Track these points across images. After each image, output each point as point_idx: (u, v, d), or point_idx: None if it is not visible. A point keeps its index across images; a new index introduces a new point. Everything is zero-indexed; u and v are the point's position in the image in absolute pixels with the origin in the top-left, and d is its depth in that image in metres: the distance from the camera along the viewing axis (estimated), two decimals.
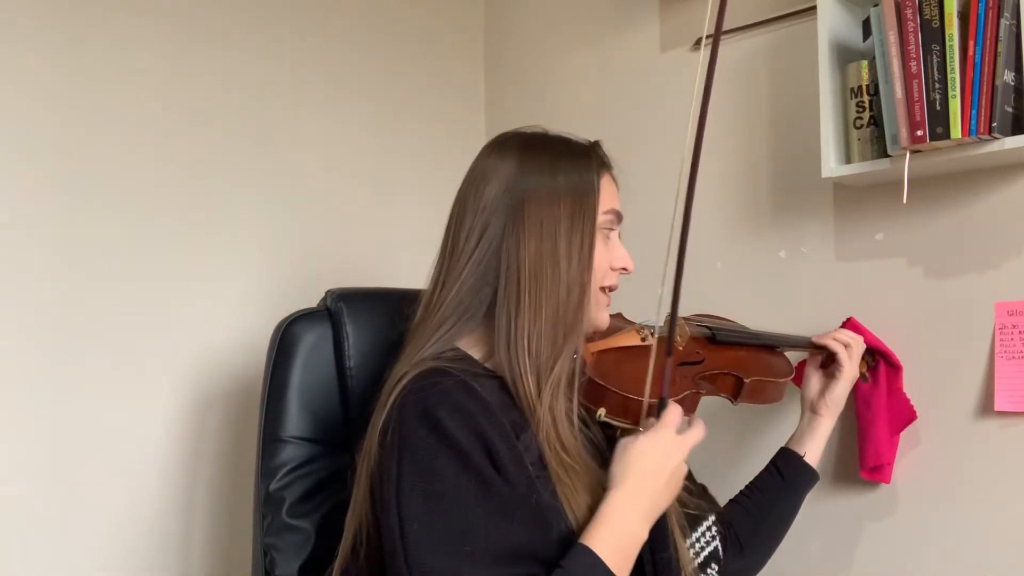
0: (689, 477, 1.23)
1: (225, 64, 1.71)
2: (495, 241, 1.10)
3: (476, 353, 1.12)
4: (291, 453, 1.27)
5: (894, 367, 1.48)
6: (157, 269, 1.61)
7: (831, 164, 1.44)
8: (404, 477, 0.97)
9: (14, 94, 1.47)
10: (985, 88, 1.27)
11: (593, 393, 1.14)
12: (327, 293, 1.35)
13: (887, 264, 1.53)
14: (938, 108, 1.29)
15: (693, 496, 1.23)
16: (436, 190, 1.67)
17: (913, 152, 1.33)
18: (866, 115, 1.42)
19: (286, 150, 1.79)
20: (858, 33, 1.49)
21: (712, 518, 1.26)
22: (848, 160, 1.45)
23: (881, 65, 1.36)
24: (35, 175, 1.49)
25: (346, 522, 1.08)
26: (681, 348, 1.30)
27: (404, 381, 1.03)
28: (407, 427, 0.99)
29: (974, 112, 1.27)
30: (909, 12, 1.31)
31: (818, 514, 1.55)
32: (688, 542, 1.18)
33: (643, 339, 1.26)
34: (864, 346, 1.43)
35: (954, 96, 1.28)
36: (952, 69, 1.28)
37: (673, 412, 1.09)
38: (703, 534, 1.22)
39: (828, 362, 1.43)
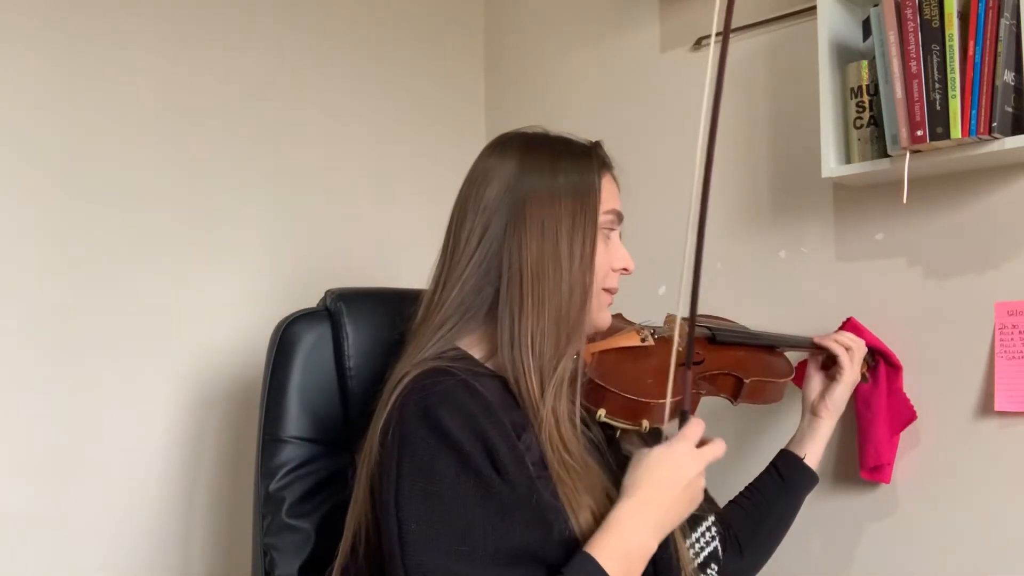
0: None
1: (225, 64, 1.71)
2: (496, 241, 1.09)
3: (477, 353, 1.12)
4: (291, 453, 1.27)
5: (894, 367, 1.48)
6: (157, 269, 1.61)
7: (831, 164, 1.44)
8: (404, 477, 0.97)
9: (14, 94, 1.47)
10: (985, 88, 1.27)
11: (593, 394, 1.14)
12: (327, 293, 1.35)
13: (887, 264, 1.53)
14: (938, 108, 1.29)
15: None
16: (436, 190, 1.67)
17: (913, 152, 1.34)
18: (866, 115, 1.42)
19: (286, 151, 1.79)
20: (858, 33, 1.49)
21: (712, 518, 1.25)
22: (848, 160, 1.45)
23: (881, 65, 1.36)
24: (35, 175, 1.49)
25: (346, 522, 1.08)
26: (681, 349, 1.30)
27: (405, 381, 1.03)
28: (407, 427, 0.99)
29: (974, 112, 1.27)
30: (909, 12, 1.31)
31: (818, 514, 1.55)
32: (688, 542, 1.18)
33: (643, 339, 1.26)
34: (865, 350, 1.43)
35: (954, 96, 1.28)
36: (952, 69, 1.28)
37: (695, 426, 1.07)
38: (703, 534, 1.22)
39: (829, 364, 1.43)
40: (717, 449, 1.08)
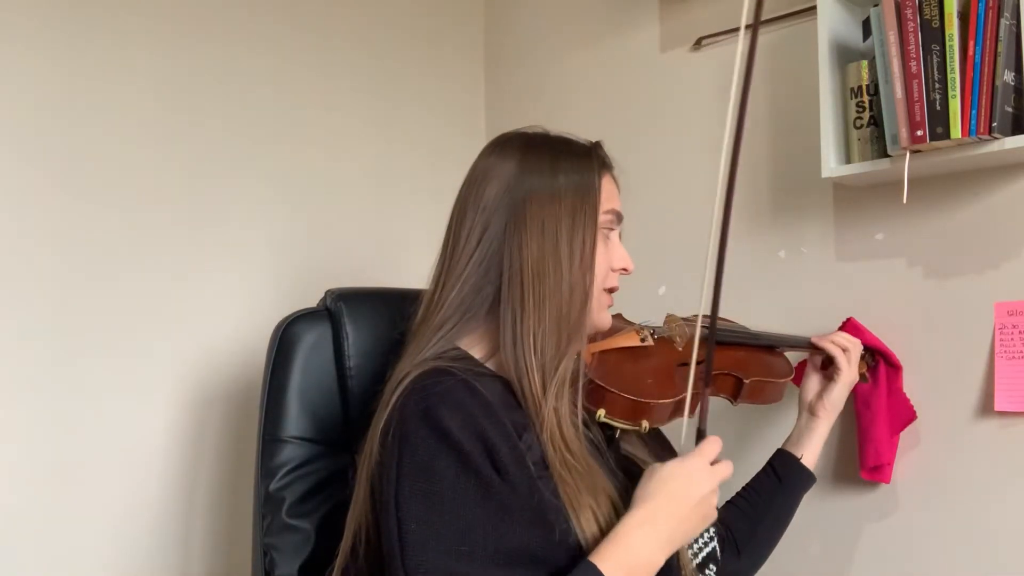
0: None
1: (225, 64, 1.71)
2: (496, 241, 1.10)
3: (477, 353, 1.12)
4: (291, 453, 1.27)
5: (894, 367, 1.48)
6: (157, 269, 1.61)
7: (831, 164, 1.44)
8: (404, 477, 0.97)
9: (14, 94, 1.47)
10: (985, 88, 1.27)
11: (593, 394, 1.14)
12: (327, 293, 1.35)
13: (887, 264, 1.53)
14: (938, 108, 1.29)
15: None
16: (436, 190, 1.67)
17: (913, 152, 1.33)
18: (866, 115, 1.42)
19: (286, 151, 1.79)
20: (858, 33, 1.49)
21: None
22: (848, 160, 1.45)
23: (881, 65, 1.36)
24: (35, 175, 1.49)
25: (346, 522, 1.08)
26: (681, 349, 1.30)
27: (406, 381, 1.03)
28: (408, 427, 0.99)
29: (974, 112, 1.27)
30: (909, 12, 1.31)
31: (818, 514, 1.55)
32: None
33: (643, 340, 1.26)
34: (862, 349, 1.43)
35: (954, 96, 1.28)
36: (952, 69, 1.28)
37: (712, 444, 1.07)
38: (701, 535, 1.22)
39: (827, 364, 1.43)
40: (727, 469, 1.08)
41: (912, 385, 1.48)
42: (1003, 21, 1.27)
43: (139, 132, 1.60)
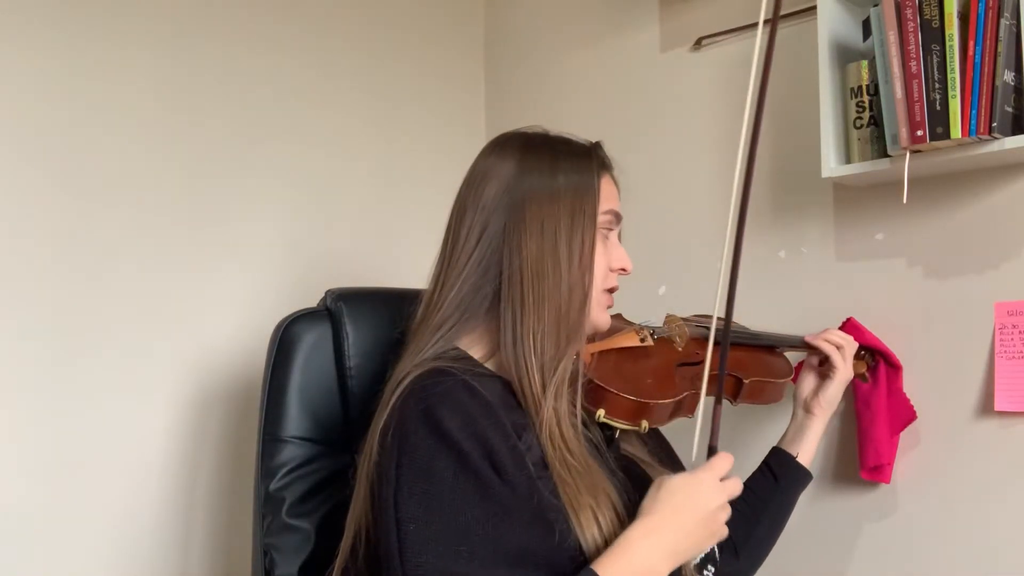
0: None
1: (225, 64, 1.71)
2: (495, 240, 1.10)
3: (476, 353, 1.12)
4: (291, 453, 1.27)
5: (894, 367, 1.48)
6: (157, 269, 1.61)
7: (831, 164, 1.44)
8: (403, 477, 0.97)
9: (14, 94, 1.47)
10: (985, 88, 1.27)
11: (593, 394, 1.14)
12: (327, 293, 1.35)
13: (887, 264, 1.52)
14: (938, 108, 1.29)
15: None
16: (436, 190, 1.67)
17: (913, 152, 1.33)
18: (866, 115, 1.42)
19: (286, 151, 1.79)
20: (858, 33, 1.49)
21: None
22: (848, 160, 1.45)
23: (881, 65, 1.36)
24: (35, 175, 1.49)
25: (346, 522, 1.08)
26: (680, 349, 1.30)
27: (406, 382, 1.03)
28: (407, 427, 0.99)
29: (974, 112, 1.27)
30: (909, 12, 1.31)
31: (818, 514, 1.55)
32: None
33: (642, 340, 1.26)
34: (856, 346, 1.43)
35: (954, 96, 1.28)
36: (952, 69, 1.28)
37: (723, 460, 1.07)
38: None
39: (824, 362, 1.43)
40: (737, 487, 1.08)
41: (912, 385, 1.48)
42: (1003, 21, 1.27)
43: (139, 132, 1.60)
